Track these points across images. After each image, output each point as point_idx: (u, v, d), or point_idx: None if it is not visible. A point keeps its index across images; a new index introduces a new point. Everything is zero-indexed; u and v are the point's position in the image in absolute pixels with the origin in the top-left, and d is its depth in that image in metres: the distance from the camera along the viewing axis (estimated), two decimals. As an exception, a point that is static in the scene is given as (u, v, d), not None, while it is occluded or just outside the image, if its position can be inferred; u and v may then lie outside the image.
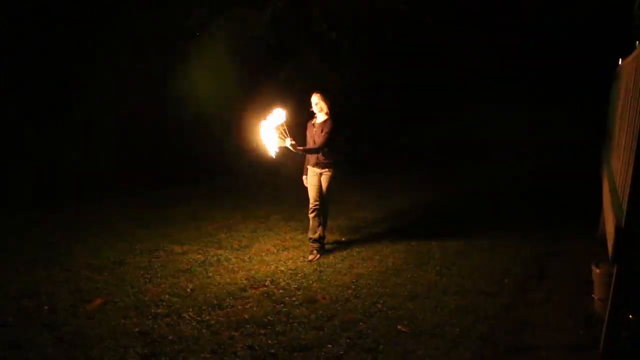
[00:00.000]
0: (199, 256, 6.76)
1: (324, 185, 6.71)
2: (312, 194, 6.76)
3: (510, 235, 7.59)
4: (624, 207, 3.96)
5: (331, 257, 6.67)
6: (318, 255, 6.72)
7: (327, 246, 7.05)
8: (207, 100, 12.21)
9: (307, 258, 6.68)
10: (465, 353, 4.24)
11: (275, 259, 6.65)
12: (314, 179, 6.73)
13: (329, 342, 4.43)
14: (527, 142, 15.98)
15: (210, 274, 6.09)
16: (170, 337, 4.51)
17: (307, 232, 7.05)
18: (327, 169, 6.67)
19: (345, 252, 6.87)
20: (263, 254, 6.86)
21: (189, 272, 6.18)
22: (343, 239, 7.47)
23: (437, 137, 16.98)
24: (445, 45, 16.07)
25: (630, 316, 4.15)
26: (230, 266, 6.38)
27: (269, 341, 4.44)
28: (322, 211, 6.80)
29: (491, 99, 16.81)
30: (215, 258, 6.67)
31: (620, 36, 9.91)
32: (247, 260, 6.62)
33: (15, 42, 9.41)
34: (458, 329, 4.65)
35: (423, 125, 17.26)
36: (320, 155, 6.59)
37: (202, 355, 4.22)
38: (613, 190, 5.03)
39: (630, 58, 5.40)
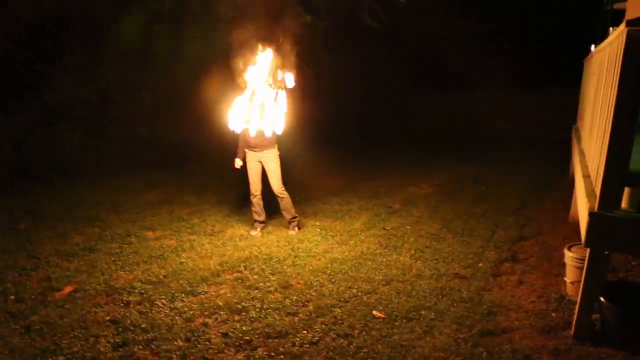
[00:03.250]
0: (172, 242, 6.66)
1: (274, 166, 6.74)
2: (254, 180, 6.84)
3: (484, 219, 7.65)
4: (597, 191, 3.99)
5: (305, 242, 6.63)
6: (262, 230, 7.05)
7: (297, 230, 7.09)
8: (179, 85, 12.03)
9: (251, 234, 6.97)
10: (440, 337, 4.25)
11: (249, 244, 6.58)
12: (254, 164, 6.79)
13: (304, 328, 4.40)
14: (502, 129, 16.17)
15: (183, 260, 6.01)
16: (142, 325, 4.43)
17: (279, 216, 7.20)
18: (271, 149, 6.71)
19: (319, 237, 6.84)
20: (237, 239, 6.79)
21: (161, 258, 6.09)
22: (318, 224, 7.43)
23: (413, 122, 17.09)
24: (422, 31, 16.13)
25: (602, 298, 4.20)
26: (204, 252, 6.30)
27: (244, 327, 4.39)
28: (283, 198, 6.94)
29: (468, 86, 16.93)
30: (189, 244, 6.58)
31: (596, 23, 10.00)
32: (221, 245, 6.55)
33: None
34: (433, 313, 4.66)
35: (399, 110, 17.36)
36: (265, 135, 6.51)
37: (175, 343, 4.15)
38: (586, 175, 5.08)
39: (603, 45, 5.42)
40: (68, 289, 5.21)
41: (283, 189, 6.85)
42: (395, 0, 13.27)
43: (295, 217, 7.10)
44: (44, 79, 9.58)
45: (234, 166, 6.86)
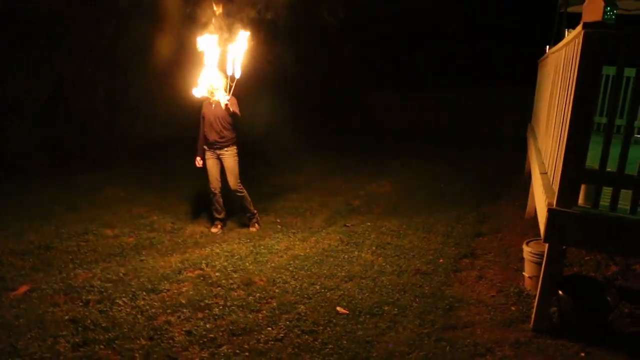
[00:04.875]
0: (131, 239, 6.55)
1: (232, 164, 6.76)
2: (213, 176, 6.83)
3: (444, 216, 7.77)
4: (555, 187, 4.10)
5: (267, 239, 6.62)
6: (221, 228, 7.03)
7: (257, 227, 7.10)
8: (136, 80, 11.83)
9: (212, 231, 6.96)
10: (404, 332, 4.30)
11: (209, 241, 6.53)
12: (213, 161, 6.78)
13: (268, 324, 4.39)
14: (458, 127, 16.46)
15: (144, 258, 5.91)
16: (103, 324, 4.33)
17: (240, 213, 7.21)
18: (230, 147, 6.73)
19: (281, 234, 6.83)
20: (197, 235, 6.73)
21: (121, 255, 5.98)
22: (279, 221, 7.42)
23: (372, 118, 17.21)
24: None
25: (560, 292, 4.32)
26: (164, 249, 6.22)
27: (207, 325, 4.35)
28: (240, 195, 6.95)
29: (427, 84, 17.18)
30: (148, 241, 6.48)
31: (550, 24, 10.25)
32: (181, 242, 6.47)
33: None
34: (396, 309, 4.71)
35: (358, 106, 17.45)
36: (223, 132, 6.62)
37: (137, 342, 4.08)
38: (543, 172, 5.21)
39: (559, 45, 5.56)
40: (23, 289, 5.05)
41: (240, 186, 6.84)
42: None
43: (255, 214, 7.09)
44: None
45: (195, 164, 6.81)
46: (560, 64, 5.06)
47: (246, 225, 7.11)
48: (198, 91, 6.36)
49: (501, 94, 16.47)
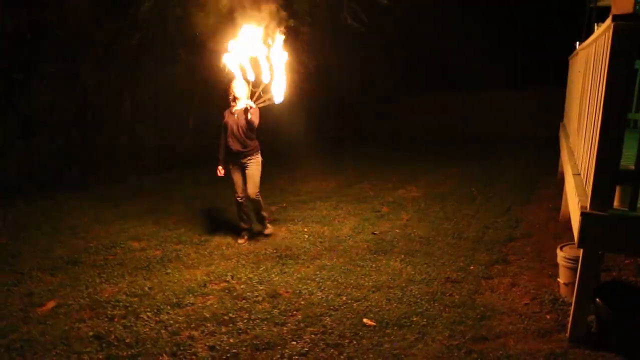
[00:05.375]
0: (158, 252, 6.52)
1: (255, 172, 6.68)
2: (238, 185, 6.77)
3: (474, 220, 7.58)
4: (588, 190, 3.91)
5: (293, 249, 6.52)
6: (247, 239, 6.93)
7: (271, 228, 7.13)
8: (162, 91, 11.91)
9: (238, 242, 6.85)
10: (433, 344, 4.15)
11: (236, 252, 6.46)
12: (236, 170, 6.74)
13: (292, 338, 4.28)
14: (489, 128, 16.17)
15: (169, 271, 5.87)
16: (127, 340, 4.29)
17: (269, 223, 7.13)
18: (254, 156, 6.66)
19: (307, 243, 6.73)
20: (224, 247, 6.67)
21: (147, 269, 5.95)
22: (306, 230, 7.32)
23: (399, 122, 17.04)
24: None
25: (597, 299, 4.12)
26: (190, 261, 6.17)
27: (231, 340, 4.27)
28: (257, 203, 6.85)
29: (455, 85, 16.97)
30: (175, 254, 6.44)
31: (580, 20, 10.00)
32: (207, 254, 6.42)
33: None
34: (425, 319, 4.56)
35: (385, 110, 17.32)
36: (247, 141, 6.56)
37: (160, 358, 4.02)
38: (575, 174, 5.01)
39: (588, 41, 5.36)
40: (51, 304, 5.05)
41: (258, 194, 6.74)
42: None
43: (266, 217, 7.06)
44: (20, 88, 9.38)
45: (217, 174, 6.77)
46: (590, 60, 4.86)
47: (273, 234, 7.05)
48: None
49: (532, 93, 16.15)
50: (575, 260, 4.70)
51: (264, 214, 7.00)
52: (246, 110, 6.30)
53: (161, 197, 9.33)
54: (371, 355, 3.99)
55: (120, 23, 10.59)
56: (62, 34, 9.83)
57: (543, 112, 14.79)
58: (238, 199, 6.77)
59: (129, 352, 4.10)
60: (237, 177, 6.72)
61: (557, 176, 9.58)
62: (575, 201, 4.36)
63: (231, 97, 6.54)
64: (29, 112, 9.68)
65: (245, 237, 6.89)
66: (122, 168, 11.19)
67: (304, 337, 4.29)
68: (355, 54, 15.71)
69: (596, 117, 3.84)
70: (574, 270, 4.72)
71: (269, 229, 7.06)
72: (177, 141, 11.94)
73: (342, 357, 3.99)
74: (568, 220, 6.98)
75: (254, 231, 7.06)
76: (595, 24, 6.33)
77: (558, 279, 5.10)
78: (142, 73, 11.73)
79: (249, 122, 6.37)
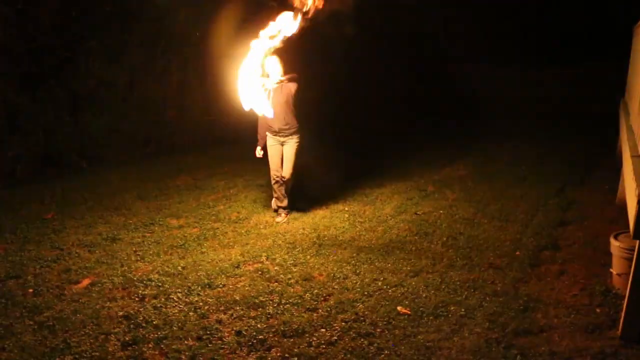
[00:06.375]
0: (195, 230, 6.47)
1: (292, 154, 6.56)
2: (276, 164, 6.63)
3: (523, 202, 7.22)
4: (646, 176, 3.57)
5: (332, 229, 6.35)
6: (287, 216, 6.79)
7: (320, 215, 6.95)
8: (207, 67, 11.83)
9: (276, 220, 6.73)
10: (470, 336, 3.92)
11: (273, 231, 6.34)
12: (276, 148, 6.59)
13: (322, 325, 4.13)
14: (540, 105, 15.47)
15: (205, 250, 5.81)
16: (155, 322, 4.23)
17: (307, 201, 7.07)
18: (294, 136, 6.53)
19: (347, 224, 6.55)
20: (261, 226, 6.56)
21: (182, 247, 5.90)
22: (347, 209, 7.13)
23: (437, 98, 16.46)
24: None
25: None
26: (226, 240, 6.09)
27: (259, 325, 4.14)
28: (289, 182, 6.74)
29: (502, 60, 16.25)
30: (212, 232, 6.37)
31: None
32: (244, 233, 6.32)
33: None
34: (463, 309, 4.32)
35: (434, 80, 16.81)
36: (287, 118, 6.41)
37: (186, 342, 3.93)
38: (635, 156, 4.63)
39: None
40: (86, 282, 5.06)
41: (292, 176, 6.65)
42: None
43: (285, 205, 6.85)
44: (68, 64, 9.45)
45: (255, 155, 6.66)
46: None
47: (313, 213, 6.93)
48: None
49: (590, 67, 15.29)
50: (630, 250, 4.35)
51: (284, 201, 6.81)
52: (281, 83, 6.16)
53: (204, 174, 9.29)
54: (402, 347, 3.79)
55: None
56: (108, 10, 9.83)
57: (598, 87, 14.05)
58: (274, 177, 6.65)
59: (156, 335, 4.04)
60: (274, 156, 6.62)
61: (616, 155, 9.04)
62: (632, 187, 4.01)
63: (265, 73, 6.38)
64: (76, 88, 9.75)
65: (283, 214, 6.77)
66: (167, 144, 11.24)
67: (334, 325, 4.13)
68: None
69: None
70: (629, 260, 4.37)
71: (283, 218, 6.78)
72: (223, 118, 11.85)
73: (371, 347, 3.80)
74: (625, 205, 6.57)
75: (293, 209, 6.94)
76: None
77: (611, 269, 4.74)
78: (189, 49, 11.67)
79: (288, 97, 6.23)
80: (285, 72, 6.42)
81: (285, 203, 6.78)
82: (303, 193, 7.28)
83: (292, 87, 6.33)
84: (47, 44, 8.97)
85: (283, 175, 6.57)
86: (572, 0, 16.21)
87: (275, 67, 6.33)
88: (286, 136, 6.52)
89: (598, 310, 4.28)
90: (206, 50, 11.59)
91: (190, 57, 11.77)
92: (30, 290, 4.88)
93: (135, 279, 5.07)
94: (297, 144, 6.58)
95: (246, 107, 5.98)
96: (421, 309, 4.34)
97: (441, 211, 6.93)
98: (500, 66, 16.37)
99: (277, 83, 6.30)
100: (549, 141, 11.46)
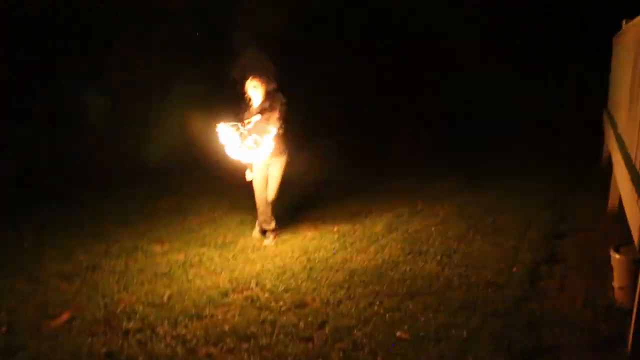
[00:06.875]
0: (180, 256, 6.21)
1: (278, 174, 6.40)
2: (262, 187, 6.44)
3: (515, 216, 7.09)
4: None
5: (322, 251, 6.15)
6: (275, 239, 6.58)
7: (308, 237, 6.75)
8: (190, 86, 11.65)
9: (264, 243, 6.50)
10: (475, 361, 3.73)
11: (261, 255, 6.12)
12: (262, 171, 6.40)
13: (319, 356, 3.90)
14: (523, 111, 15.42)
15: (191, 277, 5.55)
16: (140, 359, 3.98)
17: (296, 225, 6.96)
18: (281, 157, 6.37)
19: (337, 245, 6.35)
20: (249, 250, 6.33)
21: (167, 275, 5.63)
22: (336, 229, 6.93)
23: (421, 110, 16.33)
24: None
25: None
26: (213, 267, 5.84)
27: (252, 358, 3.91)
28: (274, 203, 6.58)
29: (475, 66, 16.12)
30: (197, 258, 6.12)
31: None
32: (232, 258, 6.08)
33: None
34: (465, 331, 4.13)
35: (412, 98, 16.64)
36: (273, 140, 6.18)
37: (174, 380, 3.70)
38: (630, 165, 4.51)
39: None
40: (65, 316, 4.77)
41: (275, 197, 6.51)
42: None
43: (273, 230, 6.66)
44: (48, 84, 9.24)
45: (246, 179, 6.49)
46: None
47: (302, 235, 6.74)
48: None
49: (570, 76, 15.31)
50: (634, 263, 4.22)
51: (272, 224, 6.62)
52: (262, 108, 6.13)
53: (188, 196, 9.02)
54: (406, 377, 3.60)
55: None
56: (89, 29, 9.66)
57: (579, 96, 14.07)
58: (259, 199, 6.49)
59: (142, 373, 3.79)
60: (259, 178, 6.43)
61: (602, 162, 9.01)
62: (633, 198, 3.88)
63: (247, 97, 6.28)
64: (56, 109, 9.52)
65: (271, 237, 6.55)
66: (150, 166, 10.96)
67: (332, 355, 3.90)
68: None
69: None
70: (631, 272, 4.24)
71: (271, 241, 6.56)
72: (205, 136, 11.64)
73: (373, 378, 3.60)
74: (617, 213, 6.49)
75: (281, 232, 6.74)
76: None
77: (612, 283, 4.61)
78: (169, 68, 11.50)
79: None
80: (267, 95, 6.25)
81: (273, 225, 6.57)
82: (289, 213, 7.10)
83: (273, 114, 6.18)
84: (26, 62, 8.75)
85: (268, 197, 6.38)
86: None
87: (257, 93, 6.21)
88: (272, 157, 6.34)
89: (603, 326, 4.14)
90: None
91: (171, 77, 11.58)
92: (4, 329, 4.57)
93: (118, 311, 4.80)
94: (283, 164, 6.42)
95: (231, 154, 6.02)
96: (421, 333, 4.14)
97: (432, 228, 6.77)
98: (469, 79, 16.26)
99: (247, 124, 6.12)
100: (535, 152, 11.41)
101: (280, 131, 6.20)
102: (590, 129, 10.63)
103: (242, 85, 6.22)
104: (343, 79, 14.48)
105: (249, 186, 6.70)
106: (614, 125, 7.07)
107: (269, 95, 6.23)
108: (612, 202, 6.97)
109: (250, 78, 6.16)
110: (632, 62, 5.54)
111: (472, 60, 15.42)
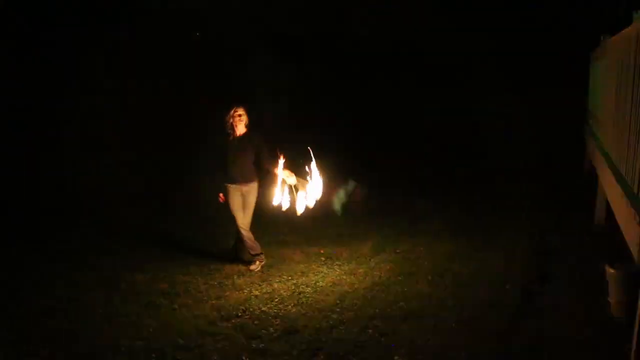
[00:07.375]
0: (165, 285, 6.01)
1: (252, 202, 6.39)
2: (239, 213, 6.36)
3: (502, 231, 7.07)
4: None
5: (310, 274, 6.02)
6: (261, 263, 6.44)
7: (295, 260, 6.65)
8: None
9: (250, 269, 6.37)
10: (476, 385, 3.62)
11: (248, 281, 5.96)
12: (238, 199, 6.34)
13: (315, 387, 3.77)
14: (506, 131, 15.51)
15: (176, 307, 5.37)
16: (127, 398, 3.80)
17: (281, 248, 6.83)
18: (253, 183, 6.37)
19: (325, 268, 6.24)
20: (235, 276, 6.17)
21: (152, 306, 5.44)
22: (322, 252, 6.81)
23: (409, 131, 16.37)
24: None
25: None
26: (199, 294, 5.67)
27: (244, 391, 3.77)
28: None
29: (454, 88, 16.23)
30: (183, 286, 5.94)
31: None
32: (217, 285, 5.92)
33: None
34: (463, 354, 4.02)
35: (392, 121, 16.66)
36: (247, 168, 6.30)
37: (164, 418, 3.52)
38: (621, 180, 4.49)
39: (627, 31, 4.85)
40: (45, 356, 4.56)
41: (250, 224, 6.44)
42: None
43: (261, 254, 6.52)
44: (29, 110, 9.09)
45: (219, 200, 6.40)
46: (631, 51, 4.35)
47: (289, 260, 6.60)
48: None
49: (546, 93, 15.46)
50: (630, 277, 4.16)
51: (257, 248, 6.51)
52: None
53: (171, 223, 8.82)
54: (407, 405, 3.47)
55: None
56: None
57: (553, 112, 14.18)
58: (241, 226, 6.39)
59: (130, 412, 3.60)
60: (237, 205, 6.36)
61: (583, 178, 9.04)
62: (628, 213, 3.84)
63: (229, 124, 6.25)
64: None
65: (257, 262, 6.41)
66: (130, 193, 10.73)
67: (329, 385, 3.77)
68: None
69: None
70: (628, 287, 4.19)
71: (257, 266, 6.42)
72: (184, 164, 11.49)
73: (373, 408, 3.47)
74: (604, 226, 6.48)
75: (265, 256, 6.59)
76: (634, 12, 5.75)
77: (608, 299, 4.55)
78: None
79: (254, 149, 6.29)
80: (248, 126, 6.32)
81: (258, 249, 6.43)
82: (273, 237, 6.97)
83: (258, 139, 6.27)
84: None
85: (248, 223, 6.37)
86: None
87: (241, 122, 6.24)
88: (247, 184, 6.32)
89: (604, 343, 4.06)
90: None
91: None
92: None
93: (102, 346, 4.60)
94: (256, 190, 6.42)
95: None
96: (418, 357, 4.03)
97: (421, 248, 6.69)
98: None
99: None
100: (515, 170, 11.41)
101: (253, 159, 6.28)
102: (571, 143, 10.72)
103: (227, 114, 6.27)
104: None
105: (227, 213, 6.58)
106: (599, 142, 7.05)
107: (249, 127, 6.31)
108: (598, 215, 6.97)
109: (234, 108, 6.22)
110: (616, 77, 5.53)
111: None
